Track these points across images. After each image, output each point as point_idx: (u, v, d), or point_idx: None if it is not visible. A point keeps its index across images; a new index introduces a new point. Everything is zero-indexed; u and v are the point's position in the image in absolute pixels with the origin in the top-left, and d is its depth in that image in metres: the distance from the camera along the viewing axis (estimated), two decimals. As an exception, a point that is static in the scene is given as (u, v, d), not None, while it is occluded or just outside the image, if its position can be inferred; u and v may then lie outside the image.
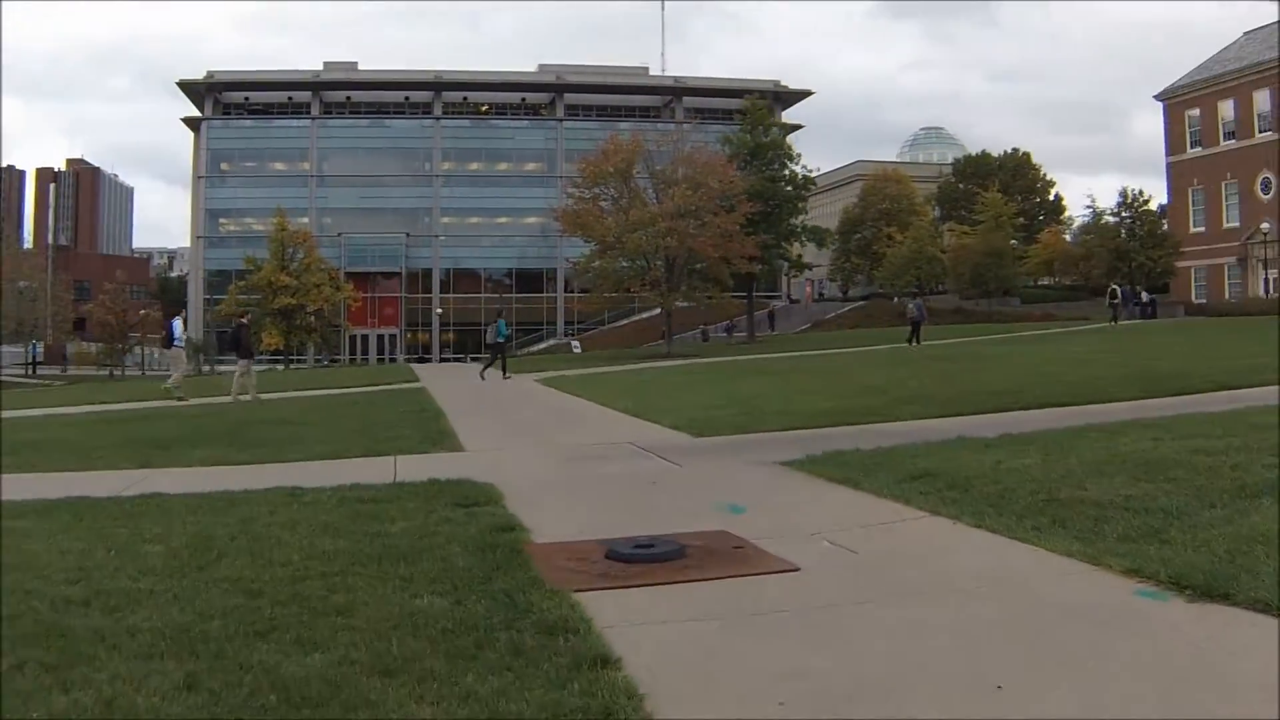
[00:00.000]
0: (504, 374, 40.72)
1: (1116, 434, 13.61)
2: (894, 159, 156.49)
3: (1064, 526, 8.65)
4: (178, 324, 34.96)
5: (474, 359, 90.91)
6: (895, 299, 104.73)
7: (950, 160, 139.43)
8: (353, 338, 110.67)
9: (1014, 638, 6.14)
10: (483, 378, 39.71)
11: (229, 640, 6.23)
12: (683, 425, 18.37)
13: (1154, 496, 9.43)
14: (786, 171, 75.11)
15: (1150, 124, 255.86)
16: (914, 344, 47.97)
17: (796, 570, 7.74)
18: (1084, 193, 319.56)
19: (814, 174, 79.20)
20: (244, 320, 37.23)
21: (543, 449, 16.65)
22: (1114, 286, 67.23)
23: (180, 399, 31.30)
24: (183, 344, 34.16)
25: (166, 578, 7.85)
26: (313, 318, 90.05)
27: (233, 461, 15.57)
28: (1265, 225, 75.15)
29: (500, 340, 44.07)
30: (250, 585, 7.54)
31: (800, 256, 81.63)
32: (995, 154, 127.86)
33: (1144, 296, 74.74)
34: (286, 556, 8.43)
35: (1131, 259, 79.42)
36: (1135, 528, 8.40)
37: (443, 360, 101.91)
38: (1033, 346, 39.86)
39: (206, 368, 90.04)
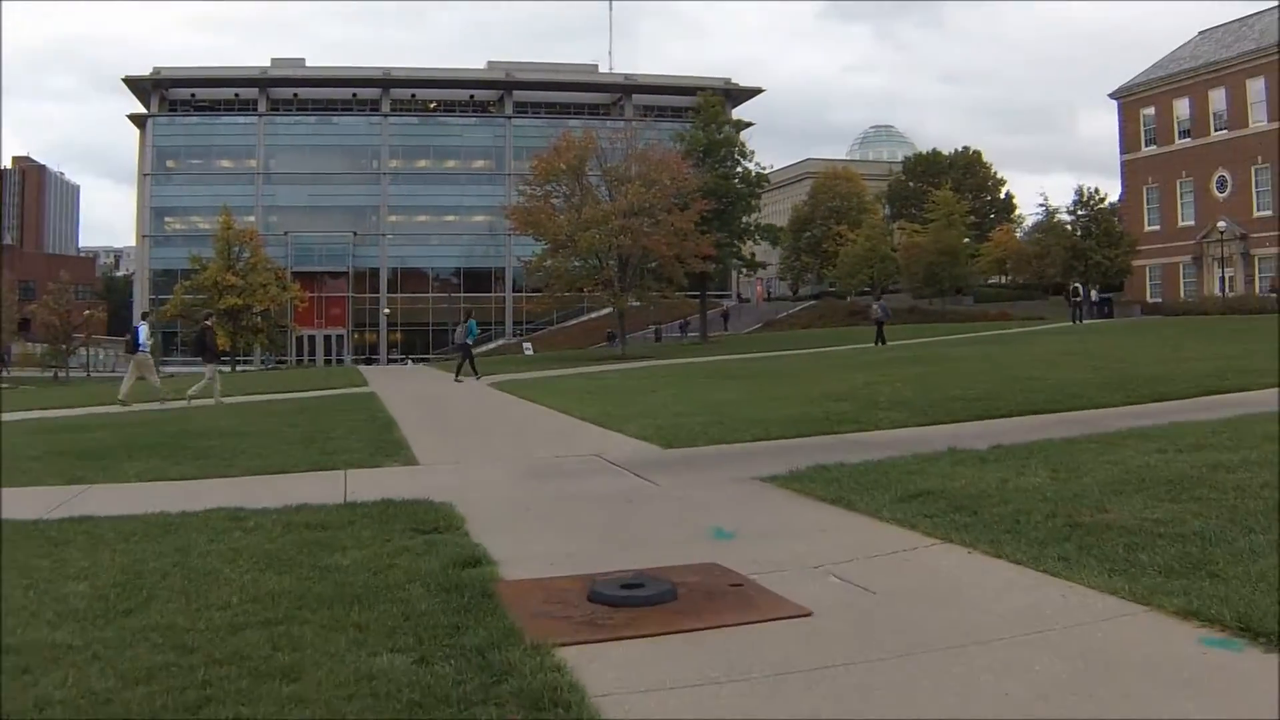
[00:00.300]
0: (475, 374, 40.30)
1: (1116, 445, 12.97)
2: (844, 157, 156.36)
3: (1094, 556, 7.85)
4: (143, 328, 33.70)
5: (416, 360, 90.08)
6: (849, 298, 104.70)
7: (900, 158, 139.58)
8: (299, 338, 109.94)
9: (1080, 703, 5.26)
10: (458, 380, 39.36)
11: (154, 717, 5.26)
12: (651, 435, 17.43)
13: (1184, 520, 8.68)
14: (740, 169, 74.99)
15: (1096, 123, 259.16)
16: (879, 344, 47.81)
17: (809, 615, 6.83)
18: (1033, 191, 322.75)
19: (767, 171, 78.82)
20: (208, 323, 36.67)
21: (502, 462, 15.59)
22: (1076, 285, 67.73)
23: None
24: (148, 348, 32.96)
25: (89, 624, 6.90)
26: (259, 318, 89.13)
27: (172, 476, 14.46)
28: (1222, 224, 75.24)
29: (469, 341, 43.37)
30: (183, 637, 6.55)
31: (754, 255, 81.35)
32: (946, 152, 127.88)
33: (1093, 296, 74.81)
34: (225, 598, 7.45)
35: (1088, 258, 79.15)
36: (1174, 557, 7.62)
37: (391, 361, 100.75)
38: (999, 348, 39.31)
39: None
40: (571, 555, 8.80)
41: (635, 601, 6.99)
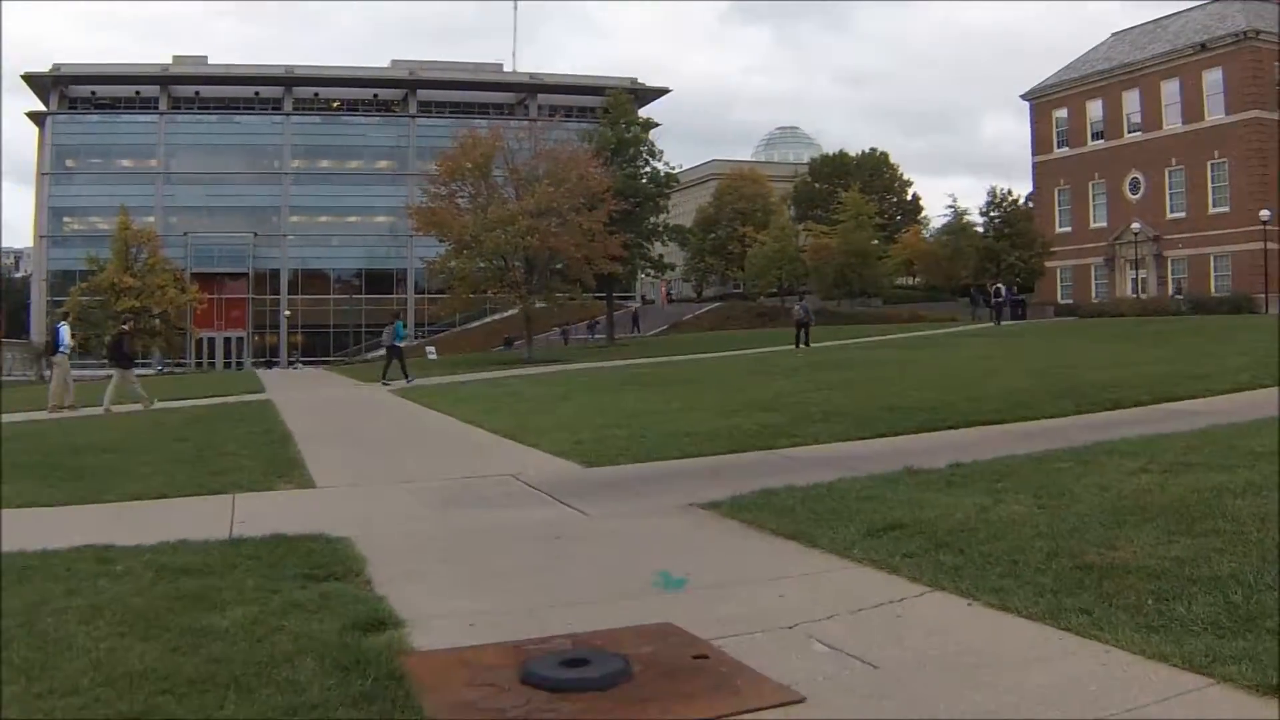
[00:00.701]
0: (405, 377, 38.77)
1: (1093, 464, 11.93)
2: (749, 158, 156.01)
3: (1120, 608, 6.68)
4: (64, 329, 31.78)
5: (309, 363, 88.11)
6: (758, 299, 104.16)
7: (806, 160, 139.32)
8: (199, 341, 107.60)
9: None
10: (385, 382, 38.10)
11: None
12: (570, 451, 16.04)
13: (1210, 559, 7.56)
14: (648, 168, 74.16)
15: (998, 126, 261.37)
16: (801, 346, 47.20)
17: (801, 702, 5.46)
18: (935, 193, 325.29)
19: (676, 170, 78.11)
20: (125, 328, 35.36)
21: (408, 485, 13.95)
22: (999, 286, 68.06)
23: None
24: (68, 350, 31.17)
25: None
26: (157, 321, 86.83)
27: (42, 502, 12.62)
28: (1136, 225, 75.79)
29: (398, 343, 41.88)
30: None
31: (662, 257, 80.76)
32: (853, 153, 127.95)
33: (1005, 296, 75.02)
34: (74, 680, 5.84)
35: (1001, 259, 78.98)
36: (1218, 609, 6.49)
37: (291, 364, 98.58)
38: (924, 351, 38.49)
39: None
40: (495, 612, 7.39)
41: (581, 685, 5.57)
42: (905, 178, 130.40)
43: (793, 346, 47.41)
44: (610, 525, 10.69)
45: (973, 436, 15.85)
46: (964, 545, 8.37)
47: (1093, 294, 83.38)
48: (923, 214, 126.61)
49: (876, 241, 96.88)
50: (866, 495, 10.72)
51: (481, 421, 21.51)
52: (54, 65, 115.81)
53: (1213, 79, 75.61)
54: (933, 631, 6.60)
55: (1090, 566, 7.56)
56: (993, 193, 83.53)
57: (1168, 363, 26.66)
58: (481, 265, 57.77)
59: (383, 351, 44.91)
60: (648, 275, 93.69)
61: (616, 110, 74.56)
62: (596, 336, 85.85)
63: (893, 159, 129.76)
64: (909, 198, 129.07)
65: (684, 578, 8.09)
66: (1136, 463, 11.64)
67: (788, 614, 7.00)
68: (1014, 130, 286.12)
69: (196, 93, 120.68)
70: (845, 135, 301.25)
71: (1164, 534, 8.35)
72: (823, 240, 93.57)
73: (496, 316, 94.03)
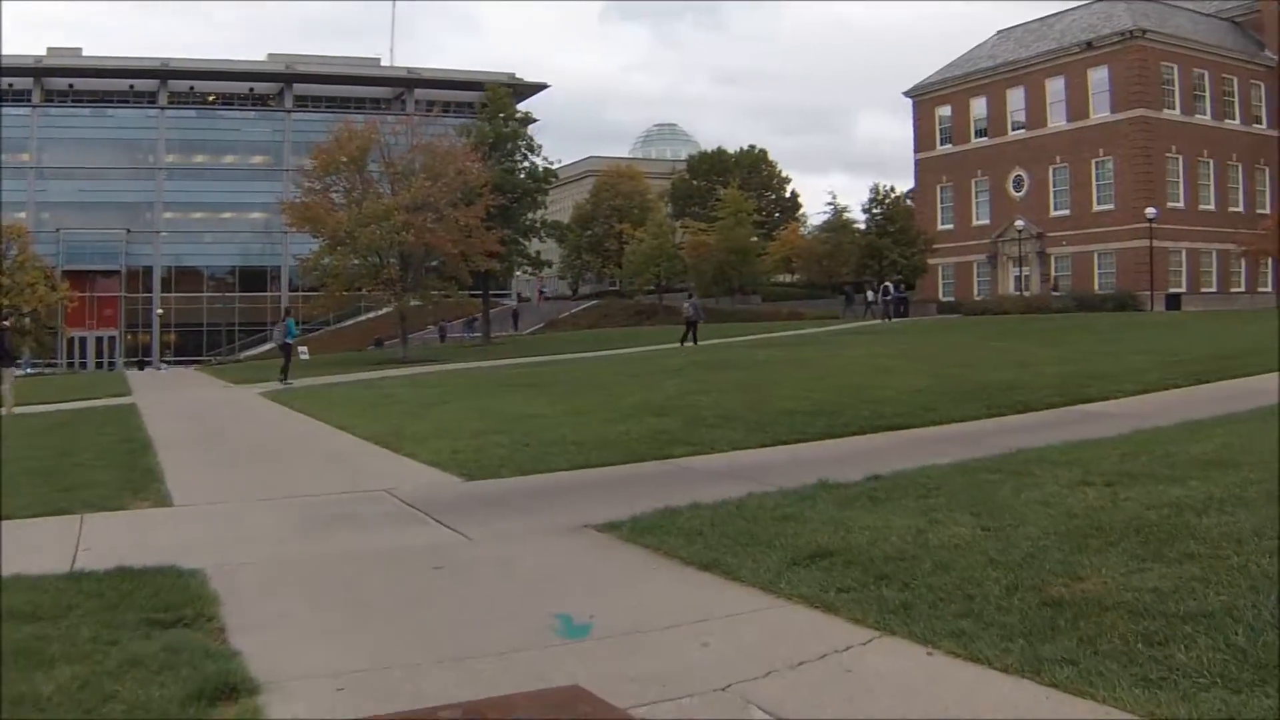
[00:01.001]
0: (284, 378, 37.66)
1: (1025, 475, 11.07)
2: (627, 155, 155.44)
3: (1108, 656, 5.75)
4: None
5: (177, 363, 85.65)
6: (635, 297, 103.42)
7: (684, 157, 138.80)
8: (70, 341, 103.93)
9: None
10: (287, 382, 36.84)
11: None
12: (448, 461, 14.82)
13: (1191, 589, 6.72)
14: (527, 163, 73.63)
15: (875, 125, 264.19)
16: (689, 344, 46.52)
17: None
18: (812, 191, 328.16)
19: (555, 165, 77.32)
20: (4, 323, 33.42)
21: (273, 502, 12.57)
22: (886, 284, 68.42)
23: None
24: None
25: None
26: (28, 320, 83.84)
27: None
28: (1019, 223, 76.10)
29: (290, 340, 41.04)
30: None
31: (539, 253, 79.95)
32: (731, 150, 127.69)
33: (869, 295, 75.47)
34: None
35: (884, 256, 78.81)
36: (1222, 656, 5.62)
37: (165, 363, 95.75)
38: (811, 349, 37.69)
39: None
40: (370, 670, 6.18)
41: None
42: (783, 175, 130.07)
43: (679, 344, 46.82)
44: (496, 552, 9.49)
45: (881, 443, 15.05)
46: (908, 577, 7.38)
47: (975, 291, 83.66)
48: (801, 211, 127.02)
49: (755, 239, 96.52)
50: (783, 515, 9.70)
51: (355, 427, 20.20)
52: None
53: (1098, 77, 76.25)
54: (893, 690, 5.56)
55: (1059, 602, 6.64)
56: (875, 189, 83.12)
57: (1067, 362, 26.20)
58: (355, 262, 56.79)
59: (257, 351, 43.64)
60: (525, 273, 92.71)
61: (495, 105, 73.83)
62: (473, 334, 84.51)
63: (771, 156, 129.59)
64: (787, 195, 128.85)
65: (588, 622, 6.96)
66: (1073, 473, 10.83)
67: (717, 670, 5.91)
68: (890, 129, 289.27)
69: (70, 85, 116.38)
70: (723, 133, 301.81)
71: (1132, 560, 7.48)
72: (701, 237, 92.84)
73: (371, 315, 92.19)
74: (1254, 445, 11.78)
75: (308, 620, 7.47)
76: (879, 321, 62.49)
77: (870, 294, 74.56)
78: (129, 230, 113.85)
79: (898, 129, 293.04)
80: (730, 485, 11.59)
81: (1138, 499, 9.31)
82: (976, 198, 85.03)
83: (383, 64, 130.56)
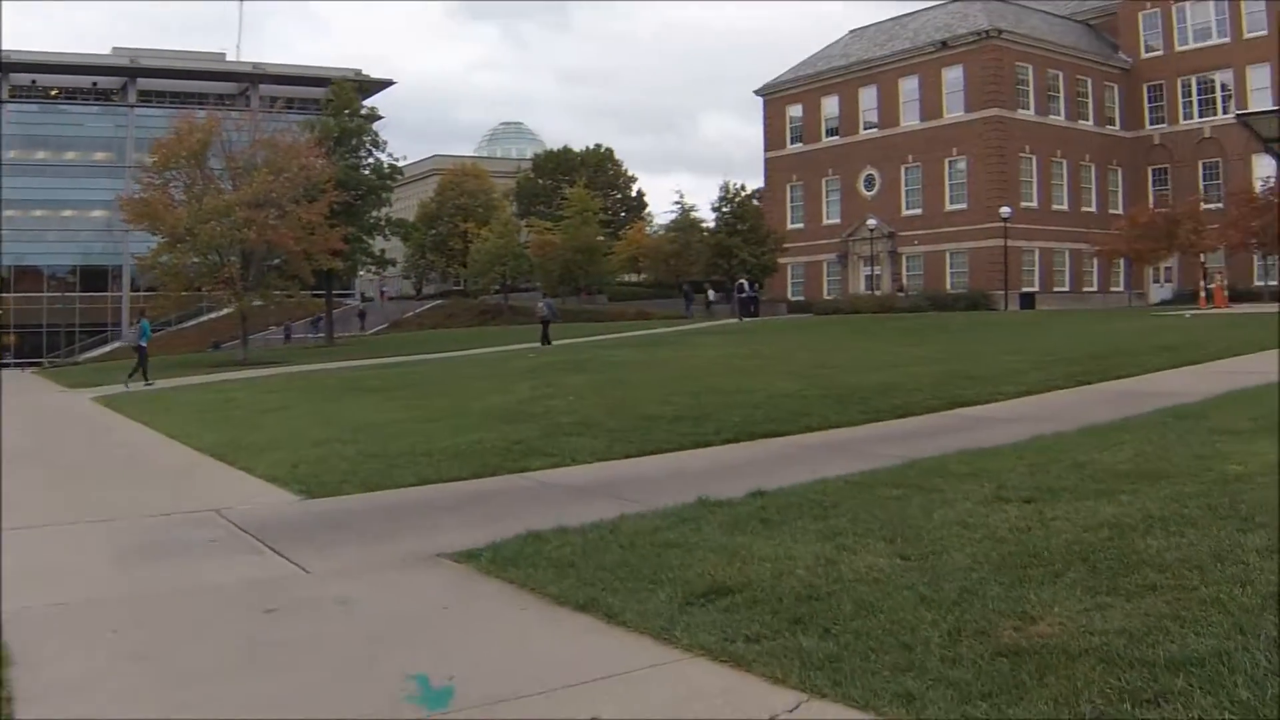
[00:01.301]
0: (131, 379, 37.17)
1: (928, 490, 10.09)
2: (472, 154, 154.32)
3: (1094, 723, 4.71)
4: None
5: (18, 364, 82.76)
6: (480, 296, 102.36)
7: (530, 156, 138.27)
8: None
9: None
10: (148, 384, 36.17)
11: None
12: (286, 475, 13.48)
13: (1165, 629, 5.77)
14: (371, 159, 72.85)
15: (721, 125, 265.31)
16: (544, 344, 46.22)
17: None
18: (660, 190, 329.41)
19: (401, 163, 76.94)
20: None
21: (90, 525, 11.03)
22: (742, 282, 68.70)
23: None
24: None
25: None
26: None
27: None
28: (871, 222, 76.38)
29: (144, 343, 39.95)
30: None
31: (384, 252, 78.93)
32: (578, 149, 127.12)
33: (710, 295, 76.64)
34: None
35: (734, 255, 78.35)
36: (1232, 717, 4.71)
37: (3, 365, 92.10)
38: (666, 350, 36.77)
39: None
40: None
41: None
42: (629, 174, 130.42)
43: (539, 344, 46.50)
44: (338, 589, 8.09)
45: (758, 452, 14.03)
46: (827, 621, 6.26)
47: (824, 291, 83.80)
48: (647, 210, 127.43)
49: (602, 238, 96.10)
50: (664, 541, 8.55)
51: (189, 436, 18.71)
52: None
53: (953, 76, 76.87)
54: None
55: (1016, 650, 5.60)
56: (725, 187, 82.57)
57: (936, 362, 25.49)
58: (195, 260, 55.32)
59: (99, 353, 42.02)
60: (369, 272, 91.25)
61: (340, 100, 73.17)
62: (315, 336, 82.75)
63: (617, 156, 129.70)
64: (633, 194, 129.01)
65: (448, 684, 5.69)
66: (983, 488, 9.86)
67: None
68: (737, 129, 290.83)
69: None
70: (570, 133, 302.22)
71: (1085, 594, 6.48)
72: (547, 236, 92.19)
73: (214, 315, 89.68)
74: (1170, 453, 10.93)
75: (114, 687, 6.05)
76: (734, 320, 62.27)
77: (711, 294, 75.37)
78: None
79: (745, 130, 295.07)
80: (599, 503, 10.49)
81: (1068, 518, 8.33)
82: (827, 197, 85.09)
83: (229, 59, 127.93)
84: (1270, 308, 49.16)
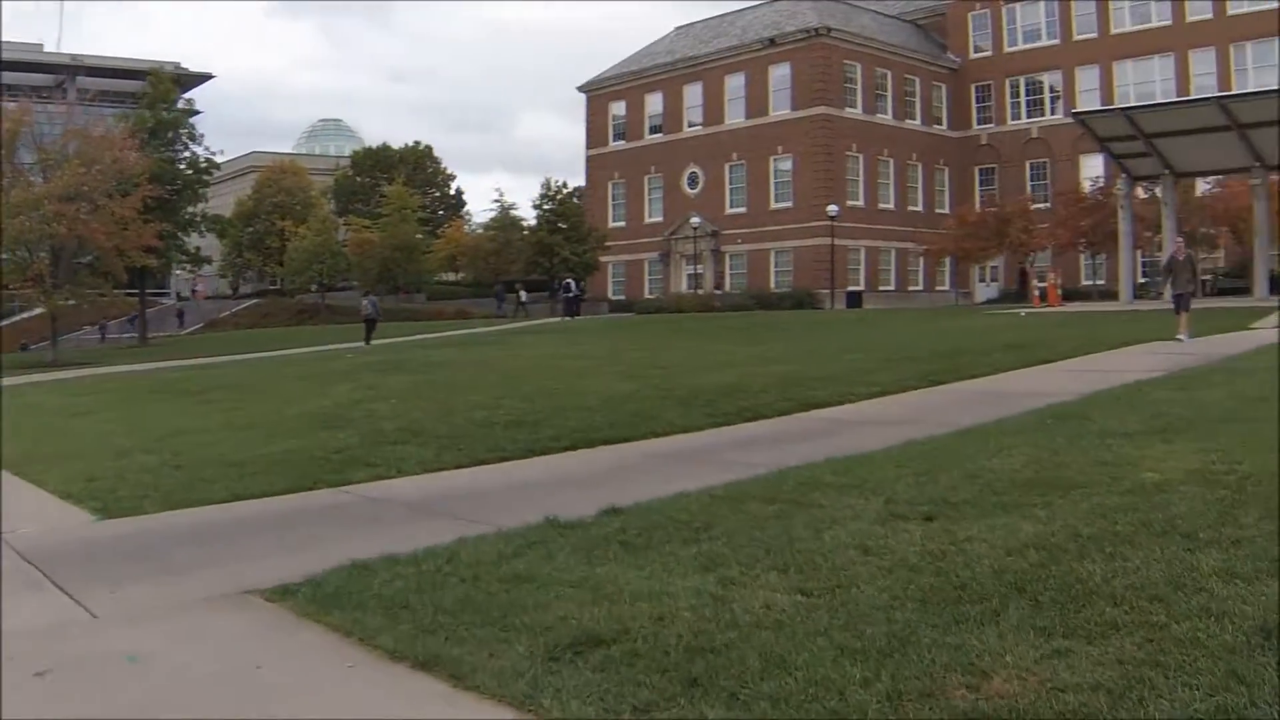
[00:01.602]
0: None
1: (806, 505, 8.88)
2: (291, 151, 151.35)
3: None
4: None
5: None
6: (297, 296, 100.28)
7: (349, 153, 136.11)
8: None
9: None
10: None
11: None
12: (82, 491, 11.93)
13: (1154, 685, 4.68)
14: (188, 153, 71.59)
15: (543, 125, 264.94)
16: (365, 344, 45.48)
17: None
18: (480, 190, 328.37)
19: (218, 158, 76.17)
20: None
21: None
22: (568, 281, 68.91)
23: None
24: None
25: None
26: None
27: None
28: (695, 220, 76.23)
29: None
30: None
31: (199, 250, 77.55)
32: (396, 147, 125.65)
33: (521, 295, 76.54)
34: None
35: (555, 253, 77.58)
36: None
37: None
38: (490, 349, 35.64)
39: None
40: None
41: None
42: (449, 172, 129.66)
43: (363, 343, 45.83)
44: (128, 639, 6.50)
45: (605, 461, 12.83)
46: (732, 683, 5.01)
47: (646, 290, 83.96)
48: (466, 209, 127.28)
49: (421, 235, 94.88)
50: (513, 573, 7.22)
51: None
52: None
53: (780, 74, 77.33)
54: None
55: (980, 719, 4.41)
56: (547, 184, 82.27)
57: (777, 362, 24.54)
58: (4, 256, 53.75)
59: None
60: (185, 269, 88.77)
61: (156, 91, 71.49)
62: (126, 336, 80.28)
63: (437, 153, 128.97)
64: (452, 192, 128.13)
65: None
66: (870, 502, 8.73)
67: None
68: (559, 130, 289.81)
69: None
70: (390, 131, 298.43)
71: (1038, 637, 5.36)
72: (365, 234, 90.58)
73: (27, 315, 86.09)
74: (1068, 460, 9.94)
75: None
76: (556, 319, 62.42)
77: (523, 293, 75.30)
78: None
79: (567, 130, 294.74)
80: (432, 524, 9.23)
81: (985, 539, 7.20)
82: (650, 195, 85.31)
83: (47, 50, 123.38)
84: (1102, 306, 50.04)
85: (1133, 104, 57.51)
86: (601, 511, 8.99)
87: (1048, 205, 69.17)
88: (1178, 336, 25.90)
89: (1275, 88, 52.37)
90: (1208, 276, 59.13)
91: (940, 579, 6.38)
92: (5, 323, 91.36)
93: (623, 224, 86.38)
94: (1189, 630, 5.25)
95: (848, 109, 76.05)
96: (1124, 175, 52.81)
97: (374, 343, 45.44)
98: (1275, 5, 66.80)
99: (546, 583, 6.91)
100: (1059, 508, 7.95)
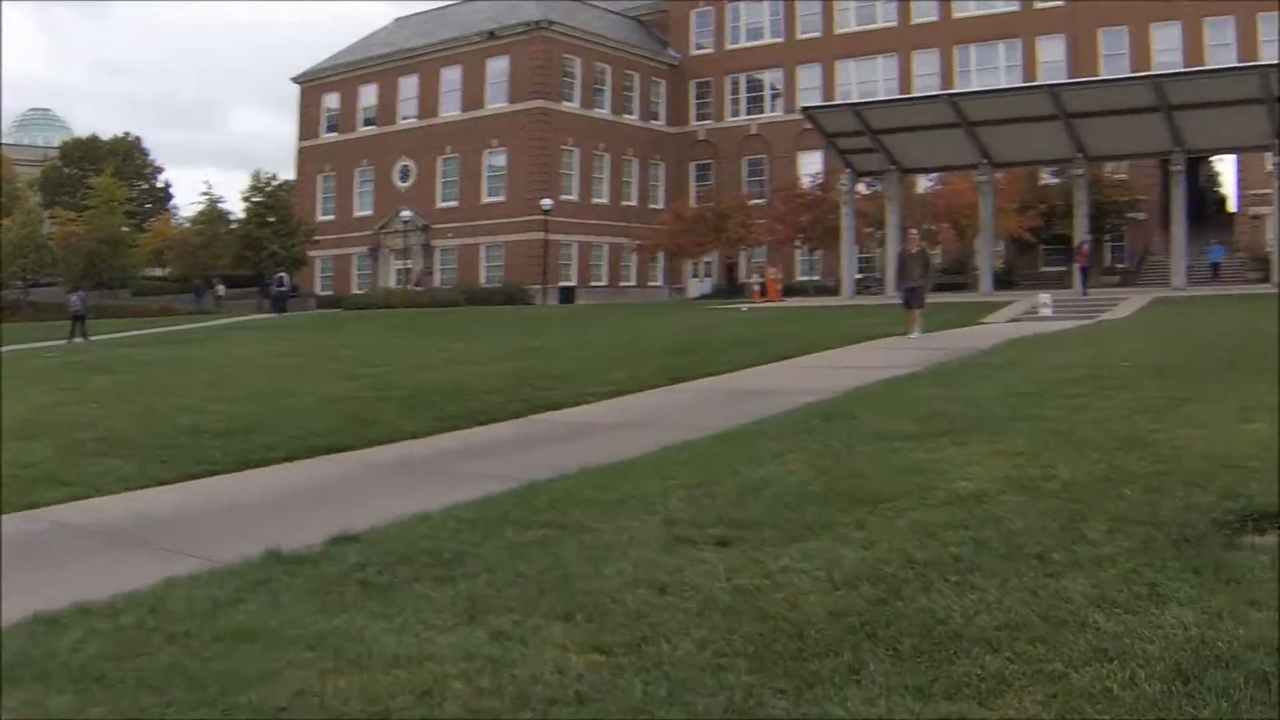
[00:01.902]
0: None
1: (574, 529, 7.58)
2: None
3: None
4: None
5: None
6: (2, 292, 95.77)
7: (58, 144, 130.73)
8: None
9: None
10: None
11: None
12: None
13: None
14: None
15: (256, 120, 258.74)
16: (79, 340, 44.05)
17: None
18: (190, 183, 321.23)
19: None
20: None
21: None
22: (281, 275, 67.72)
23: None
24: None
25: None
26: None
27: None
28: (405, 214, 75.04)
29: None
30: None
31: None
32: (106, 138, 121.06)
33: (219, 290, 76.82)
34: None
35: (264, 247, 75.19)
36: None
37: None
38: (202, 347, 33.68)
39: None
40: None
41: None
42: (156, 164, 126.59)
43: (67, 340, 43.83)
44: None
45: (328, 473, 11.38)
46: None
47: (354, 285, 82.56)
48: (173, 202, 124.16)
49: (128, 229, 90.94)
50: (233, 627, 5.68)
51: None
52: None
53: (498, 67, 76.72)
54: None
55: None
56: (256, 177, 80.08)
57: (499, 360, 23.37)
58: None
59: None
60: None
61: None
62: None
63: (146, 146, 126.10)
64: (160, 185, 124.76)
65: None
66: (645, 524, 7.48)
67: None
68: (273, 125, 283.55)
69: None
70: (101, 123, 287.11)
71: (916, 700, 4.27)
72: (71, 227, 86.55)
73: None
74: (855, 467, 8.88)
75: None
76: (263, 316, 61.11)
77: (220, 288, 75.73)
78: None
79: (280, 126, 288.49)
80: (131, 557, 7.73)
81: (802, 569, 6.02)
82: (360, 188, 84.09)
83: None
84: (823, 301, 50.56)
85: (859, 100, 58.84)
86: (332, 539, 7.53)
87: (764, 201, 70.06)
88: (910, 333, 25.64)
89: (1003, 87, 54.82)
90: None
91: (766, 625, 5.19)
92: None
93: (332, 218, 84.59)
94: (1093, 680, 4.30)
95: (565, 103, 75.66)
96: (848, 170, 53.38)
97: (76, 340, 43.69)
98: (999, 9, 69.58)
99: (275, 640, 5.43)
100: (874, 527, 6.88)
